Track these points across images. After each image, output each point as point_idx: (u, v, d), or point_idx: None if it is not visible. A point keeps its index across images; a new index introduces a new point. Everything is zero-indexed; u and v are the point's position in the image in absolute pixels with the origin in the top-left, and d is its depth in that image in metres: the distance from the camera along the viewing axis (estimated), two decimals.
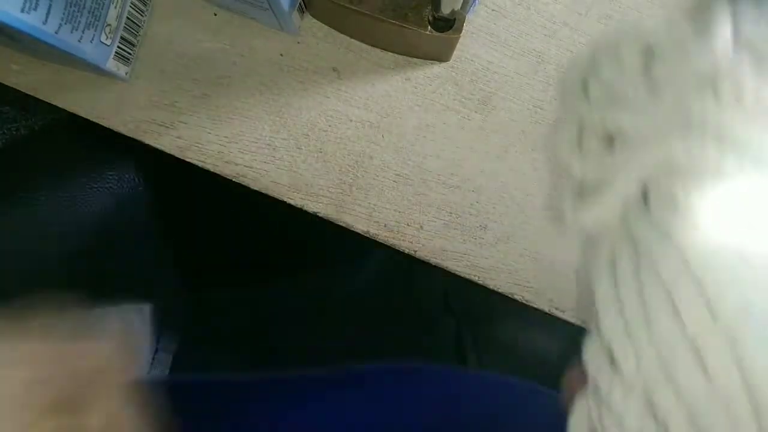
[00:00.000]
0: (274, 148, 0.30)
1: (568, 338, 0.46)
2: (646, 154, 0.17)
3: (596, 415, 0.16)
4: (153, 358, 0.35)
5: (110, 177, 0.31)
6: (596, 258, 0.18)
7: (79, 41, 0.24)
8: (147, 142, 0.30)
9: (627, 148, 0.17)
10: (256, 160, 0.30)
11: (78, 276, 0.28)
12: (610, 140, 0.18)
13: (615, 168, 0.18)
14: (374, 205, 0.30)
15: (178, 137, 0.30)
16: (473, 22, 0.30)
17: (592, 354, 0.17)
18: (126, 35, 0.28)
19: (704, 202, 0.14)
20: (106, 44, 0.26)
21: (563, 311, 0.32)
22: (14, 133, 0.37)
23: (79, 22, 0.24)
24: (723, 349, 0.13)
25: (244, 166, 0.30)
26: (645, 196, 0.17)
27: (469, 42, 0.30)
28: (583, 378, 0.17)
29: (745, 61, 0.15)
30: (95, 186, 0.30)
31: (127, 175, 0.32)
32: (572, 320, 0.32)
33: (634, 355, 0.15)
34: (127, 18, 0.27)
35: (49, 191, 0.28)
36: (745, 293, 0.14)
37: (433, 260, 0.31)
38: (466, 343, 0.44)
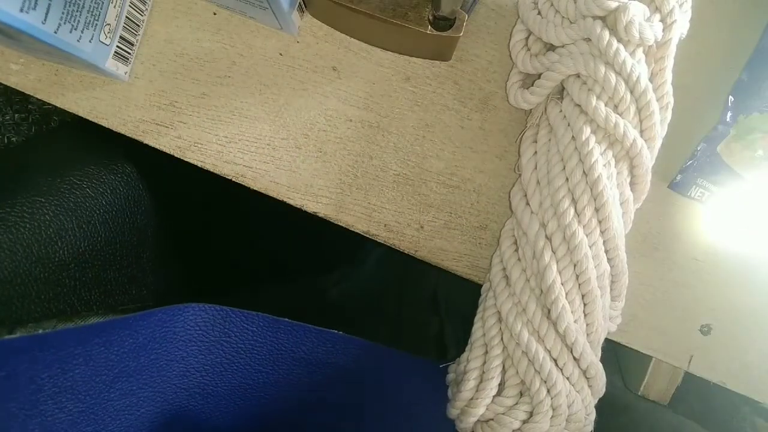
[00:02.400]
0: (273, 148, 0.30)
1: None
2: (568, 63, 0.25)
3: (517, 231, 0.27)
4: None
5: (114, 179, 0.31)
6: (525, 132, 0.29)
7: (78, 41, 0.24)
8: (146, 142, 0.30)
9: (557, 55, 0.26)
10: (255, 160, 0.30)
11: (86, 279, 0.28)
12: (550, 46, 0.27)
13: (547, 67, 0.27)
14: (374, 205, 0.30)
15: (178, 137, 0.30)
16: (473, 22, 0.30)
17: (514, 193, 0.28)
18: (125, 35, 0.28)
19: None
20: (105, 44, 0.26)
21: None
22: (8, 139, 0.37)
23: (78, 21, 0.24)
24: (588, 199, 0.24)
25: (244, 166, 0.30)
26: (562, 91, 0.27)
27: (469, 42, 0.30)
28: None
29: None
30: (101, 189, 0.30)
31: (131, 177, 0.32)
32: None
33: (539, 197, 0.26)
34: (127, 17, 0.27)
35: (50, 195, 0.27)
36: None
37: (433, 260, 0.31)
38: (448, 341, 0.44)
